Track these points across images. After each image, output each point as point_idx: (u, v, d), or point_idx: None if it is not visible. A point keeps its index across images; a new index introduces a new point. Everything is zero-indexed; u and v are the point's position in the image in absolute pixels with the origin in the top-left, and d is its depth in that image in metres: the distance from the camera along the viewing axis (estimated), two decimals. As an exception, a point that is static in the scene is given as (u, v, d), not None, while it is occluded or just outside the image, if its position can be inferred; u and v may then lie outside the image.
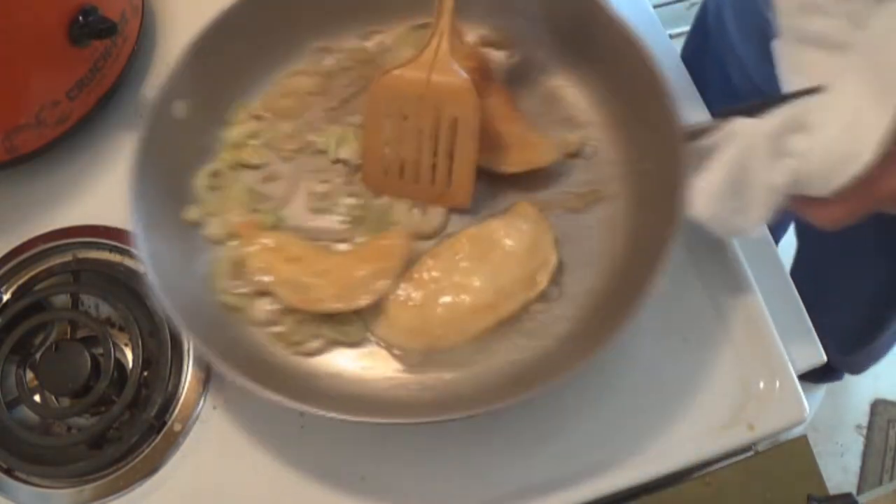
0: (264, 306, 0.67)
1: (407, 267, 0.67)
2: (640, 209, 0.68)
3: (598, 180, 0.71)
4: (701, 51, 1.05)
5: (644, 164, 0.68)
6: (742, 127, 0.56)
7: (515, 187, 0.71)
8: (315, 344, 0.66)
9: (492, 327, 0.65)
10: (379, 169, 0.70)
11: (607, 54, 0.71)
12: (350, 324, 0.66)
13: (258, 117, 0.75)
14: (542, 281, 0.66)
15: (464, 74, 0.66)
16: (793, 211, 0.58)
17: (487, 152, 0.69)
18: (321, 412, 0.57)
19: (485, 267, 0.66)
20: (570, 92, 0.75)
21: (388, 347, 0.66)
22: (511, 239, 0.67)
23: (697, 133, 0.60)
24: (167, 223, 0.68)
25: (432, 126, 0.67)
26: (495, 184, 0.71)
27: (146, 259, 0.62)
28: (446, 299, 0.66)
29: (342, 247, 0.70)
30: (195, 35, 0.70)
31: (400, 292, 0.66)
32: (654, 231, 0.64)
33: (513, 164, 0.70)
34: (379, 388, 0.64)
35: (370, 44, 0.78)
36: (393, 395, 0.64)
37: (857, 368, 1.58)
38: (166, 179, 0.69)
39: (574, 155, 0.72)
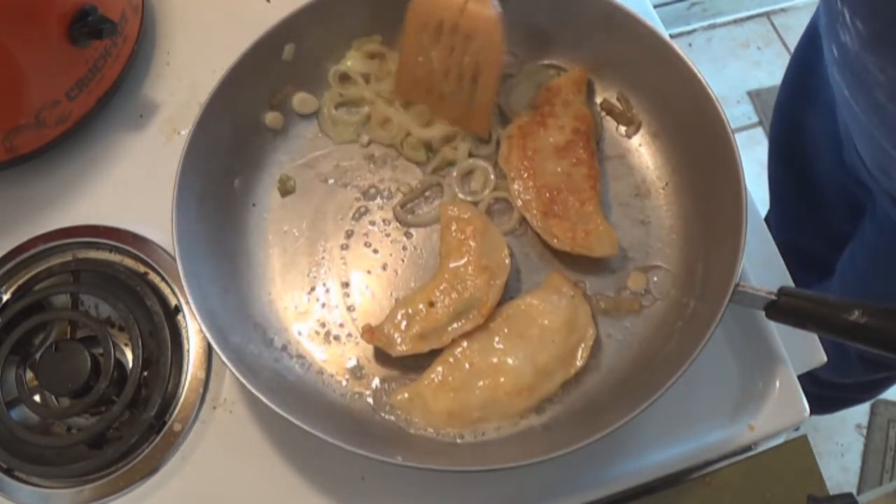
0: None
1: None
2: (657, 335, 0.65)
3: (641, 294, 0.67)
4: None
5: (689, 299, 0.65)
6: None
7: (560, 260, 0.69)
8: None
9: (532, 407, 0.63)
10: (410, 78, 0.72)
11: (717, 192, 0.66)
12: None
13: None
14: (582, 357, 0.64)
15: (498, 9, 0.66)
16: None
17: (546, 218, 0.68)
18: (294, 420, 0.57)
19: (522, 346, 0.64)
20: (664, 197, 0.71)
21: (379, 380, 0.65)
22: (547, 316, 0.64)
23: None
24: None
25: (461, 50, 0.68)
26: (542, 252, 0.69)
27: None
28: (484, 382, 0.63)
29: None
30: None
31: (434, 377, 0.64)
32: (661, 359, 0.62)
33: (565, 242, 0.67)
34: (338, 389, 0.65)
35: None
36: (349, 405, 0.64)
37: None
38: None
39: (632, 261, 0.69)
